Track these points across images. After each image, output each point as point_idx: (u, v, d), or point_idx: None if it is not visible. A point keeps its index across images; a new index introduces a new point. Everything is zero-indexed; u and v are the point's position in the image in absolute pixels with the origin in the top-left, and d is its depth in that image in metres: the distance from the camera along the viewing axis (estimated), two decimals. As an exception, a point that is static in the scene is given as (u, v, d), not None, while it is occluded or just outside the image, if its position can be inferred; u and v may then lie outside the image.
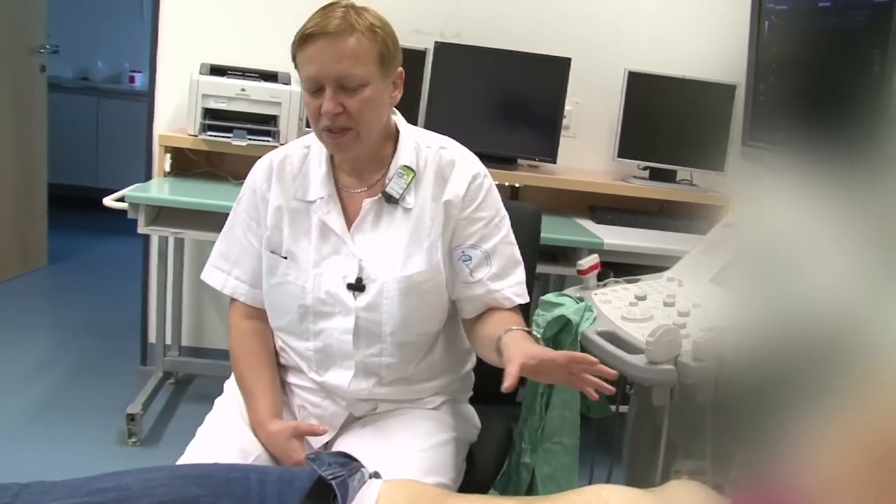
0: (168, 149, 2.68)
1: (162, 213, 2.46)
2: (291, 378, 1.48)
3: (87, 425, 2.67)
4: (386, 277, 1.39)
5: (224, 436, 1.38)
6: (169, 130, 2.82)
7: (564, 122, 3.00)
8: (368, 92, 1.32)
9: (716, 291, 1.60)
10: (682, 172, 2.96)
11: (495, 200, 1.46)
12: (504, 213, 1.48)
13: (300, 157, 1.46)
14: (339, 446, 1.41)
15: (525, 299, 1.48)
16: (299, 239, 1.43)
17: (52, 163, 4.61)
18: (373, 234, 1.42)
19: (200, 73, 2.64)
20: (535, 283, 1.90)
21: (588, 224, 2.74)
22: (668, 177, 2.93)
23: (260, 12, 2.84)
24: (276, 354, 1.50)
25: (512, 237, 1.48)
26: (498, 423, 1.74)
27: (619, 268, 2.58)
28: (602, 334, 1.48)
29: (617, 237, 2.56)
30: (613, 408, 1.68)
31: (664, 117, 2.90)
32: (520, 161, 2.93)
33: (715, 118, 2.84)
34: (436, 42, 2.82)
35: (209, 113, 2.63)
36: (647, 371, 1.33)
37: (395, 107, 1.46)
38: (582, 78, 2.92)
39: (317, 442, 1.42)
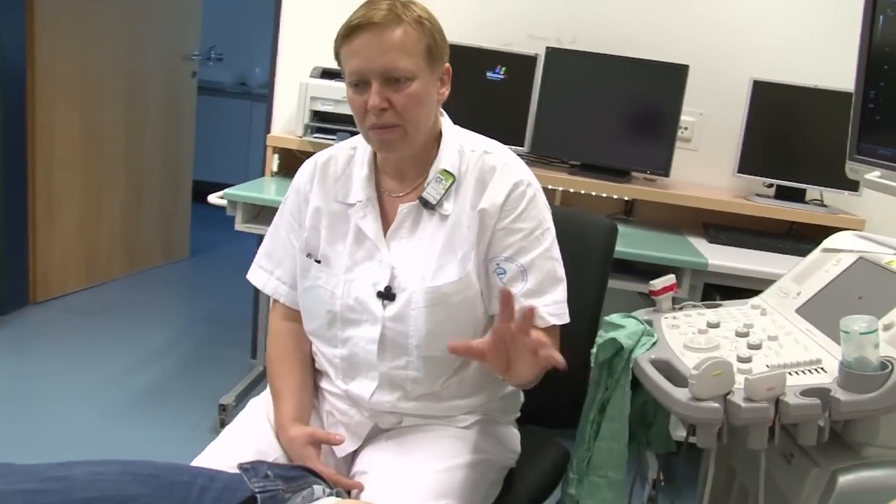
0: (276, 149, 2.73)
1: (263, 212, 2.51)
2: (323, 383, 1.44)
3: (188, 411, 2.78)
4: (415, 287, 1.32)
5: (245, 436, 1.36)
6: (282, 132, 2.89)
7: (686, 134, 2.82)
8: (416, 86, 1.26)
9: (799, 324, 1.41)
10: (814, 192, 2.68)
11: (539, 211, 1.35)
12: (549, 225, 1.37)
13: (345, 159, 1.42)
14: (362, 458, 1.36)
15: (562, 320, 1.37)
16: (335, 243, 1.38)
17: (203, 161, 4.91)
18: (409, 241, 1.35)
19: (311, 77, 2.68)
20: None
21: (699, 243, 2.54)
22: (796, 196, 2.66)
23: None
24: (313, 359, 1.46)
25: (555, 252, 1.37)
26: (553, 448, 1.62)
27: (726, 291, 2.37)
28: (655, 362, 1.34)
29: (727, 258, 2.34)
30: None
31: (793, 131, 2.64)
32: (634, 174, 2.76)
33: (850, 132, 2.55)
34: (547, 47, 2.71)
35: (317, 115, 2.66)
36: (688, 407, 1.17)
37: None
38: (706, 88, 2.73)
39: (341, 451, 1.37)
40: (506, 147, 1.41)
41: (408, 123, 1.27)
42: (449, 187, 1.33)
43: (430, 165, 1.35)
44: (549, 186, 2.66)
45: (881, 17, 1.43)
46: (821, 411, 1.15)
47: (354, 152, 1.42)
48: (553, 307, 1.34)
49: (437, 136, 1.37)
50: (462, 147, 1.36)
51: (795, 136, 2.65)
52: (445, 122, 1.40)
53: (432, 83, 1.30)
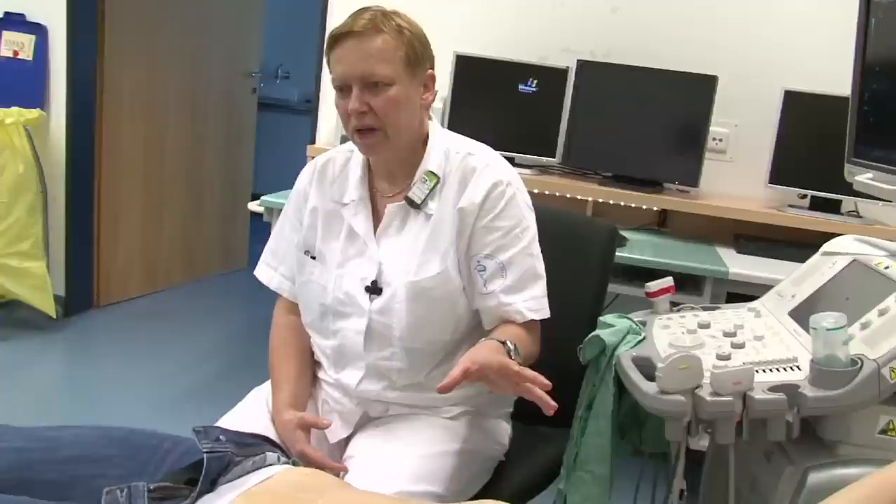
0: (316, 160, 2.84)
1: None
2: (319, 373, 1.52)
3: (231, 409, 2.88)
4: (399, 282, 1.38)
5: (241, 420, 1.43)
6: (324, 143, 3.00)
7: (720, 145, 2.80)
8: (394, 91, 1.33)
9: (788, 326, 1.41)
10: (849, 203, 2.63)
11: (518, 210, 1.39)
12: (529, 223, 1.41)
13: (343, 161, 1.50)
14: (352, 444, 1.42)
15: (541, 315, 1.40)
16: (330, 240, 1.46)
17: (264, 175, 5.08)
18: (396, 238, 1.41)
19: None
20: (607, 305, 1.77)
21: (727, 253, 2.52)
22: (830, 207, 2.61)
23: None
24: (312, 351, 1.53)
25: (535, 249, 1.41)
26: (549, 445, 1.65)
27: (750, 300, 2.33)
28: (637, 359, 1.36)
29: (751, 268, 2.32)
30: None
31: (827, 140, 2.58)
32: (667, 185, 2.76)
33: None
34: (578, 60, 2.74)
35: (353, 127, 2.75)
36: (655, 400, 1.20)
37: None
38: (740, 99, 2.71)
39: (334, 437, 1.44)
40: (491, 149, 1.45)
41: (388, 127, 1.34)
42: (433, 188, 1.39)
43: (417, 167, 1.41)
44: (580, 197, 2.69)
45: (873, 20, 1.43)
46: (787, 407, 1.15)
47: (352, 155, 1.49)
48: (531, 302, 1.38)
49: (426, 140, 1.43)
50: (448, 149, 1.42)
51: (830, 146, 2.59)
52: (434, 125, 1.46)
53: (413, 88, 1.36)
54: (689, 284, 2.41)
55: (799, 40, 2.73)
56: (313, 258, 1.46)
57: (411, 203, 1.39)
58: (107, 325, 3.69)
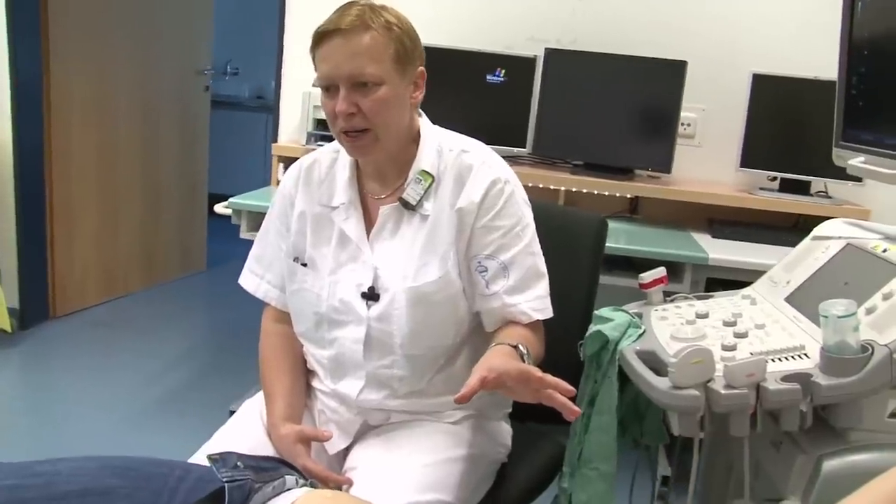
0: (281, 158, 2.77)
1: (268, 219, 2.54)
2: (315, 382, 1.46)
3: (202, 419, 2.78)
4: (397, 287, 1.33)
5: (237, 436, 1.38)
6: (288, 141, 2.93)
7: (689, 130, 2.81)
8: (383, 91, 1.27)
9: (787, 312, 1.40)
10: (818, 184, 2.66)
11: (517, 208, 1.36)
12: (528, 221, 1.38)
13: (329, 162, 1.44)
14: (353, 454, 1.38)
15: (545, 315, 1.37)
16: (320, 246, 1.40)
17: (221, 175, 4.97)
18: (391, 242, 1.37)
19: (313, 85, 2.70)
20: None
21: (703, 238, 2.53)
22: (800, 188, 2.64)
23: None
24: (305, 360, 1.48)
25: (535, 247, 1.38)
26: (548, 443, 1.63)
27: (729, 285, 2.34)
28: (641, 353, 1.35)
29: (729, 252, 2.33)
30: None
31: (795, 123, 2.63)
32: (638, 172, 2.76)
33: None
34: (546, 48, 2.72)
35: (320, 123, 2.69)
36: (668, 395, 1.18)
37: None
38: (708, 83, 2.72)
39: (332, 448, 1.39)
40: (485, 145, 1.41)
41: (377, 128, 1.29)
42: (428, 187, 1.34)
43: (409, 166, 1.36)
44: (552, 186, 2.67)
45: (859, 3, 1.43)
46: (801, 396, 1.14)
47: (338, 155, 1.43)
48: (535, 302, 1.35)
49: (416, 137, 1.39)
50: (441, 147, 1.38)
51: (798, 129, 2.63)
52: (424, 122, 1.41)
53: (403, 87, 1.31)
54: (668, 271, 2.41)
55: (764, 25, 2.75)
56: (304, 265, 1.41)
57: (406, 204, 1.34)
58: (65, 337, 3.56)
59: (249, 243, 2.53)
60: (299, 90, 2.84)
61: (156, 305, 4.09)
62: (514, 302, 1.33)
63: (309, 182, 1.43)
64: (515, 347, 1.21)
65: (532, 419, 1.63)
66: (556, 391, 1.08)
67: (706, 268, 2.28)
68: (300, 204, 1.42)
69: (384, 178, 1.39)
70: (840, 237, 1.49)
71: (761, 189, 2.68)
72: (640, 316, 1.51)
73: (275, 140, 3.03)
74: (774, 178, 2.69)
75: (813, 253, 1.52)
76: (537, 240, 1.38)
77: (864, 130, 1.43)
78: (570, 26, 2.86)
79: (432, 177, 1.34)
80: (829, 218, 2.55)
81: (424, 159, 1.36)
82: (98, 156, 3.85)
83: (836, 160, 1.54)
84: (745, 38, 2.76)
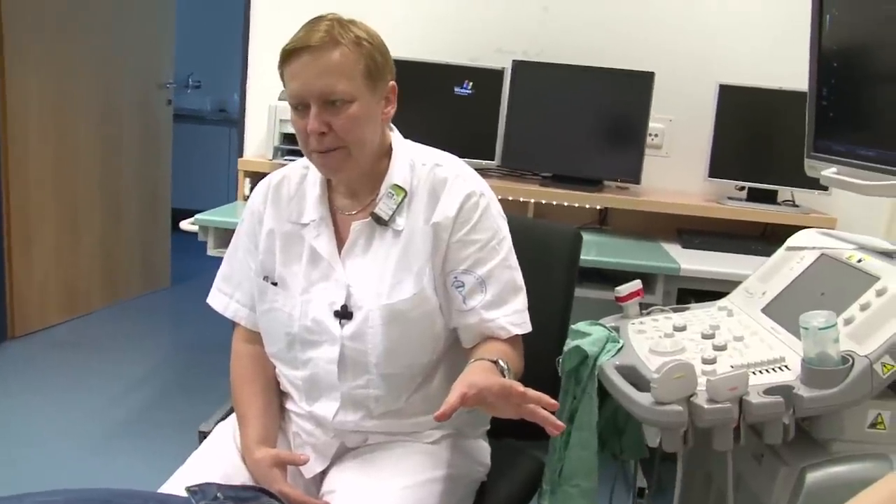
0: (248, 173, 2.73)
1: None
2: (289, 404, 1.43)
3: (169, 441, 2.74)
4: (371, 305, 1.31)
5: (211, 461, 1.35)
6: (253, 156, 2.88)
7: (657, 140, 2.82)
8: (355, 108, 1.25)
9: (764, 324, 1.40)
10: (785, 193, 2.69)
11: (493, 221, 1.34)
12: (504, 234, 1.36)
13: (298, 178, 1.41)
14: (330, 477, 1.34)
15: (524, 329, 1.35)
16: (290, 264, 1.37)
17: (184, 189, 4.90)
18: (363, 258, 1.34)
19: (279, 99, 2.67)
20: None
21: (673, 249, 2.54)
22: (767, 198, 2.67)
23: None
24: (277, 381, 1.45)
25: (512, 260, 1.36)
26: (526, 460, 1.61)
27: (701, 295, 2.36)
28: (620, 368, 1.34)
29: (700, 262, 2.34)
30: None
31: (762, 133, 2.66)
32: (606, 183, 2.76)
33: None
34: (513, 60, 2.72)
35: (286, 137, 2.66)
36: (651, 412, 1.17)
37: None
38: (674, 94, 2.74)
39: (309, 472, 1.36)
40: (458, 159, 1.39)
41: (350, 145, 1.26)
42: (401, 202, 1.32)
43: (381, 181, 1.34)
44: (522, 199, 2.67)
45: (828, 16, 1.44)
46: (784, 409, 1.14)
47: (307, 171, 1.40)
48: (514, 317, 1.33)
49: (388, 152, 1.37)
50: (413, 161, 1.35)
51: (764, 139, 2.66)
52: (395, 136, 1.39)
53: (374, 103, 1.29)
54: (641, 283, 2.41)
55: (731, 35, 2.78)
56: (274, 284, 1.37)
57: (378, 220, 1.32)
58: (25, 358, 3.46)
59: (216, 259, 2.49)
60: (265, 104, 2.80)
61: (119, 324, 4.00)
62: (492, 317, 1.31)
63: (278, 199, 1.40)
64: (495, 363, 1.19)
65: (510, 436, 1.62)
66: (539, 406, 1.06)
67: (678, 278, 2.28)
68: (269, 221, 1.39)
69: (355, 193, 1.36)
70: (814, 247, 1.50)
71: (729, 198, 2.70)
72: (617, 330, 1.51)
73: (240, 154, 2.98)
74: (742, 188, 2.71)
75: (788, 263, 1.52)
76: (514, 253, 1.37)
77: (836, 141, 1.44)
78: (537, 38, 2.87)
79: (405, 191, 1.32)
80: (797, 227, 2.58)
81: (396, 174, 1.34)
82: (56, 169, 3.76)
83: (809, 171, 1.55)
84: (712, 49, 2.78)
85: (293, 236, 1.37)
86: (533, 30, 2.87)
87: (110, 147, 4.09)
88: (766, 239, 2.69)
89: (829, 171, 1.43)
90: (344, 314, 1.31)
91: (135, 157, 4.27)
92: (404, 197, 1.32)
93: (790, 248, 1.57)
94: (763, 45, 2.75)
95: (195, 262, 4.68)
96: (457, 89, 2.72)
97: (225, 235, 2.46)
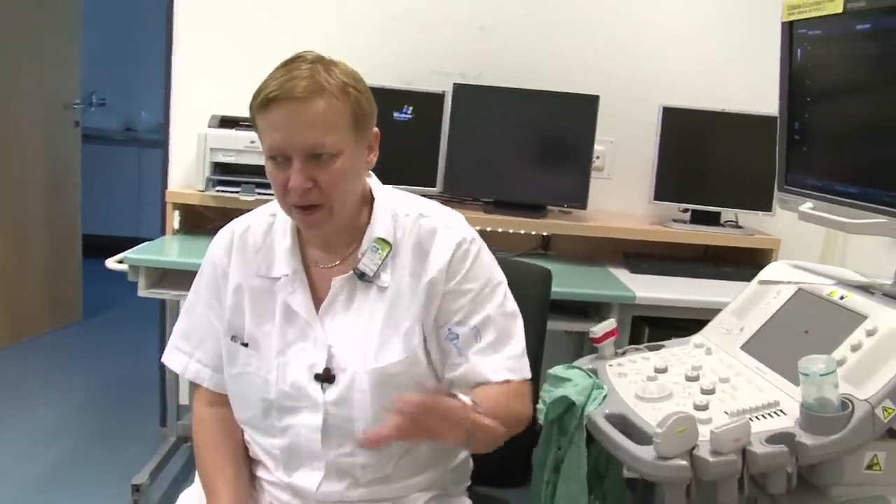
0: (177, 205, 2.59)
1: (168, 275, 2.36)
2: (261, 472, 1.34)
3: (97, 495, 2.57)
4: (357, 367, 1.23)
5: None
6: (180, 186, 2.75)
7: (598, 163, 2.83)
8: (342, 162, 1.18)
9: (747, 363, 1.39)
10: (728, 214, 2.74)
11: (485, 267, 1.29)
12: (499, 279, 1.31)
13: (264, 228, 1.32)
14: (309, 550, 1.25)
15: (521, 374, 1.30)
16: (262, 323, 1.28)
17: (92, 214, 4.66)
18: (344, 316, 1.26)
19: (209, 126, 2.55)
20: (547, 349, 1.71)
21: (622, 274, 2.54)
22: (711, 219, 2.72)
23: (275, 62, 2.74)
24: (246, 446, 1.35)
25: (509, 306, 1.31)
26: (505, 511, 1.56)
27: (655, 322, 2.38)
28: (610, 418, 1.30)
29: (652, 289, 2.35)
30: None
31: (704, 155, 2.71)
32: (549, 208, 2.75)
33: (759, 154, 2.62)
34: (454, 84, 2.68)
35: (218, 167, 2.54)
36: (655, 467, 1.14)
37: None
38: (614, 116, 2.75)
39: (283, 545, 1.27)
40: (442, 206, 1.34)
41: (334, 202, 1.19)
42: (386, 256, 1.25)
43: (359, 233, 1.27)
44: (467, 225, 2.62)
45: (798, 50, 1.45)
46: (789, 458, 1.13)
47: (274, 220, 1.32)
48: (509, 363, 1.28)
49: (368, 201, 1.30)
50: (396, 211, 1.29)
51: (707, 161, 2.71)
52: (374, 184, 1.33)
53: (360, 154, 1.22)
54: (591, 310, 2.40)
55: (673, 58, 2.82)
56: (245, 345, 1.28)
57: (361, 276, 1.25)
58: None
59: (130, 286, 2.34)
60: (188, 130, 2.67)
61: (27, 365, 3.74)
62: (482, 361, 1.26)
63: (244, 250, 1.31)
64: (454, 396, 1.12)
65: (485, 484, 1.57)
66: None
67: (632, 306, 2.28)
68: (235, 276, 1.30)
69: (331, 245, 1.29)
70: (789, 282, 1.50)
71: (674, 221, 2.73)
72: (595, 372, 1.47)
73: (164, 183, 2.83)
74: (686, 210, 2.74)
75: (763, 298, 1.52)
76: (511, 298, 1.32)
77: (810, 176, 1.45)
78: (476, 60, 2.84)
79: (390, 245, 1.26)
80: (741, 248, 2.66)
81: (379, 226, 1.27)
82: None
83: (780, 204, 1.56)
84: (654, 71, 2.82)
85: (264, 292, 1.29)
86: (470, 51, 2.85)
87: (13, 174, 3.84)
88: (708, 260, 2.73)
89: (805, 207, 1.44)
90: (326, 377, 1.24)
91: (40, 184, 4.03)
92: (389, 251, 1.25)
93: (763, 282, 1.57)
94: (706, 67, 2.81)
95: (108, 291, 4.44)
96: (396, 115, 2.66)
97: (155, 275, 2.33)
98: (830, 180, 1.39)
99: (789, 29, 1.47)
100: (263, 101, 1.15)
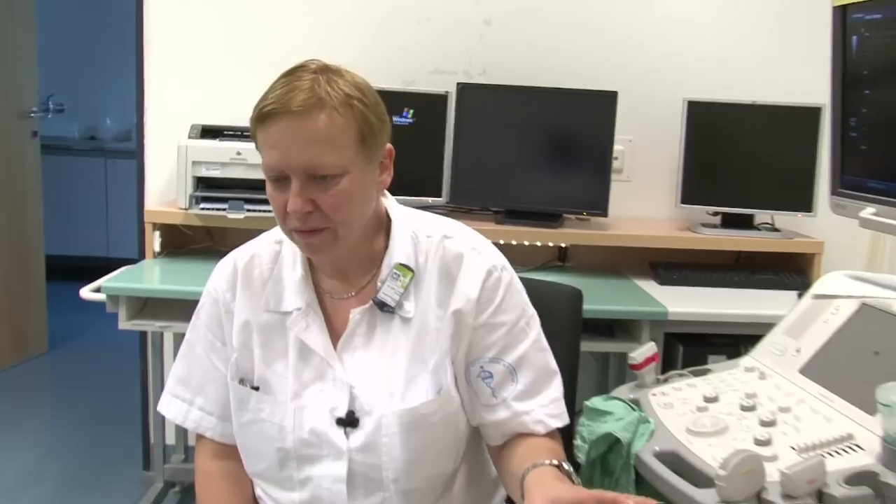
0: (157, 225, 2.54)
1: (150, 304, 2.32)
2: (273, 527, 1.29)
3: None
4: (384, 409, 1.20)
5: None
6: (160, 204, 2.71)
7: (616, 164, 2.81)
8: (346, 183, 1.14)
9: (809, 389, 1.36)
10: (763, 216, 2.71)
11: (519, 298, 1.27)
12: (532, 311, 1.29)
13: (270, 257, 1.29)
14: None
15: (563, 421, 1.28)
16: (274, 362, 1.25)
17: (55, 233, 4.61)
18: (365, 352, 1.23)
19: (190, 137, 2.51)
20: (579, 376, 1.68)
21: (649, 286, 2.51)
22: (744, 223, 2.69)
23: (261, 64, 2.71)
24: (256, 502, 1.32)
25: (544, 341, 1.29)
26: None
27: (688, 340, 2.35)
28: (661, 456, 1.27)
29: (685, 302, 2.32)
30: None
31: (734, 152, 2.67)
32: (566, 216, 2.72)
33: (796, 149, 2.60)
34: (458, 83, 2.65)
35: (202, 182, 2.50)
36: (720, 514, 1.10)
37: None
38: (633, 112, 2.73)
39: None
40: (466, 227, 1.31)
41: (338, 226, 1.16)
42: (408, 284, 1.22)
43: (377, 259, 1.25)
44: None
45: (854, 38, 1.42)
46: (874, 500, 1.10)
47: (280, 247, 1.29)
48: (550, 407, 1.26)
49: (384, 224, 1.28)
50: (416, 233, 1.26)
51: (737, 158, 2.68)
52: (391, 205, 1.30)
53: (368, 173, 1.19)
54: (617, 329, 2.37)
55: (695, 49, 2.81)
56: (256, 388, 1.25)
57: (382, 306, 1.21)
58: None
59: (98, 312, 2.28)
60: (167, 139, 2.63)
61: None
62: (526, 409, 1.23)
63: (249, 284, 1.28)
64: (559, 467, 1.10)
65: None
66: None
67: (665, 323, 2.25)
68: (243, 312, 1.27)
69: (346, 274, 1.26)
70: (850, 296, 1.47)
71: (703, 225, 2.70)
72: (637, 403, 1.45)
73: (141, 201, 2.80)
74: (716, 214, 2.72)
75: (820, 315, 1.50)
76: (542, 332, 1.28)
77: (871, 178, 1.42)
78: (479, 55, 2.82)
79: (412, 272, 1.22)
80: (780, 253, 2.63)
81: (399, 251, 1.24)
82: None
83: (835, 209, 1.54)
84: (675, 64, 2.81)
85: (274, 328, 1.26)
86: (473, 47, 2.83)
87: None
88: (742, 267, 2.70)
89: (867, 213, 1.41)
90: (349, 422, 1.21)
91: (-4, 201, 3.98)
92: (412, 278, 1.22)
93: (818, 296, 1.54)
94: (730, 57, 2.79)
95: (73, 318, 4.40)
96: (396, 119, 2.62)
97: (137, 304, 2.28)
98: (896, 182, 1.36)
99: (842, 14, 1.44)
100: (260, 115, 1.12)
